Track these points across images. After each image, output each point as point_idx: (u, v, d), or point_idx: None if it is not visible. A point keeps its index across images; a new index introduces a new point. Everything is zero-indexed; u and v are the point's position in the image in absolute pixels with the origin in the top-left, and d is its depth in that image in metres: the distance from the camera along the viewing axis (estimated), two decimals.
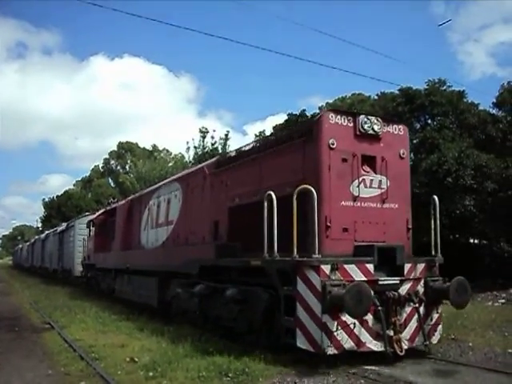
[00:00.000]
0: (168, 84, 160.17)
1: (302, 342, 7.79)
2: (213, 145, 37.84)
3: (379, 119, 9.13)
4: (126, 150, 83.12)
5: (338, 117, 8.71)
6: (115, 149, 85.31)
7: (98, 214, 23.99)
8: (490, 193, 20.44)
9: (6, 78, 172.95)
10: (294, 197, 7.97)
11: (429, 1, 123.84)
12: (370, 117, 9.03)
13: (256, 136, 36.98)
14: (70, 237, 30.53)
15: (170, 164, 47.37)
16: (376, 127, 8.95)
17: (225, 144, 37.72)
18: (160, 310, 13.92)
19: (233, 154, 12.02)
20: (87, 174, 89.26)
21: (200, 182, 12.47)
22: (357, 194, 8.69)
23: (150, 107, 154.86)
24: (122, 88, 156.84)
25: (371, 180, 8.91)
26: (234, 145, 36.86)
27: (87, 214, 31.29)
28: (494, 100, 23.79)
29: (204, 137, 38.43)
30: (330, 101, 40.85)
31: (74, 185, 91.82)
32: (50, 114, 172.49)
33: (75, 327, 12.80)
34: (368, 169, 8.95)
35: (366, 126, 8.82)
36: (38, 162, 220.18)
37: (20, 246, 77.67)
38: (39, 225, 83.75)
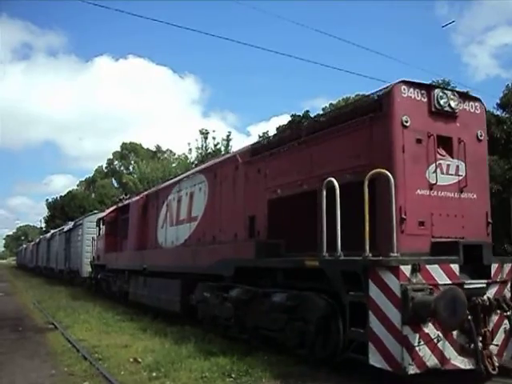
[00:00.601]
0: (172, 85, 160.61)
1: (376, 360, 6.52)
2: (215, 145, 37.89)
3: (455, 94, 7.88)
4: (129, 150, 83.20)
5: (411, 90, 7.44)
6: (119, 149, 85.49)
7: (108, 211, 22.25)
8: (494, 194, 20.39)
9: (11, 78, 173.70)
10: (366, 183, 6.73)
11: (433, 1, 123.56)
12: (445, 91, 7.82)
13: (259, 137, 37.01)
14: (78, 236, 29.03)
15: (174, 165, 47.33)
16: (453, 103, 7.72)
17: (227, 145, 37.75)
18: (184, 316, 12.60)
19: (273, 139, 10.54)
20: (91, 175, 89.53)
21: (231, 173, 11.03)
22: (433, 182, 7.41)
23: (154, 108, 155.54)
24: (126, 89, 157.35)
25: (448, 165, 7.64)
26: (236, 145, 36.93)
27: (96, 211, 30.25)
28: (498, 101, 23.76)
29: (206, 138, 38.51)
30: (334, 102, 40.85)
31: (77, 185, 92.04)
32: (55, 114, 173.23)
33: (79, 327, 12.84)
34: (444, 152, 7.68)
35: (442, 102, 7.60)
36: (42, 163, 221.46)
37: (24, 246, 77.38)
38: (43, 225, 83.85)
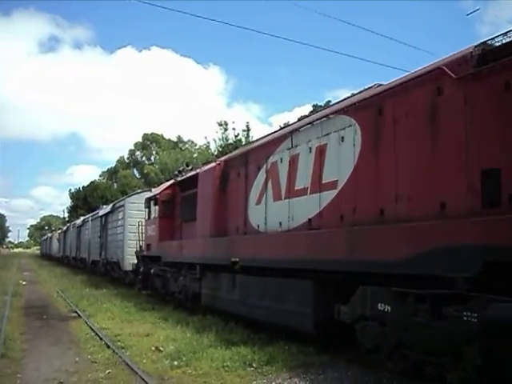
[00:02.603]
0: (196, 76, 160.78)
1: None
2: (236, 136, 37.85)
3: None
4: (150, 141, 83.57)
5: None
6: (140, 140, 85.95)
7: (163, 187, 17.21)
8: None
9: (38, 71, 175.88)
10: None
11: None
12: None
13: (280, 127, 36.81)
14: (118, 220, 23.52)
15: (195, 155, 47.48)
16: None
17: (247, 135, 37.67)
18: (318, 339, 8.40)
19: None
20: (113, 165, 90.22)
21: (424, 102, 6.61)
22: None
23: (177, 99, 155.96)
24: (149, 80, 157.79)
25: None
26: (257, 136, 36.76)
27: (139, 191, 24.68)
28: None
29: (226, 129, 38.48)
30: (355, 91, 40.43)
31: (99, 176, 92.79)
32: (80, 105, 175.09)
33: (101, 316, 13.02)
34: None
35: None
36: (67, 154, 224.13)
37: (49, 234, 76.29)
38: (66, 215, 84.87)
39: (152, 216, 17.48)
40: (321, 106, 28.96)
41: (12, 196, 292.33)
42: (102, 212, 28.40)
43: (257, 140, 12.46)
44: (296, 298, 8.55)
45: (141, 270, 17.86)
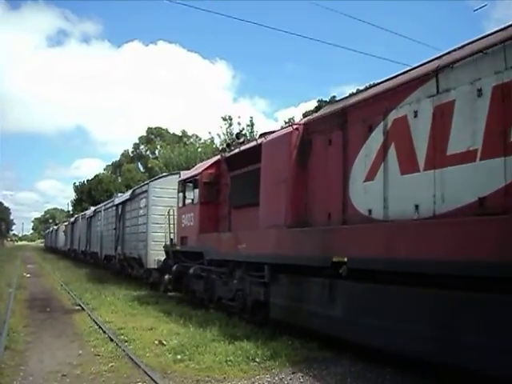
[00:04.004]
0: (203, 71, 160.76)
1: None
2: (241, 131, 37.77)
3: None
4: (155, 135, 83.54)
5: None
6: (145, 134, 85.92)
7: (204, 165, 13.99)
8: None
9: (44, 64, 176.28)
10: None
11: None
12: None
13: (285, 123, 36.73)
14: (140, 209, 19.71)
15: (200, 149, 47.40)
16: None
17: (251, 130, 37.61)
18: None
19: None
20: (117, 159, 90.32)
21: None
22: None
23: (183, 94, 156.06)
24: (155, 74, 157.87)
25: None
26: (262, 131, 36.66)
27: (165, 174, 21.47)
28: None
29: (230, 124, 38.47)
30: (361, 87, 40.35)
31: (104, 169, 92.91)
32: (85, 99, 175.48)
33: (105, 309, 13.05)
34: None
35: None
36: (72, 147, 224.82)
37: (54, 227, 74.88)
38: (70, 208, 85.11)
39: (189, 202, 14.39)
40: (326, 101, 28.82)
41: (17, 189, 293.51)
42: (117, 200, 24.39)
43: (360, 92, 8.76)
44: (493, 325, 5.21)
45: (173, 268, 14.60)
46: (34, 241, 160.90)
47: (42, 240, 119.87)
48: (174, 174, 18.85)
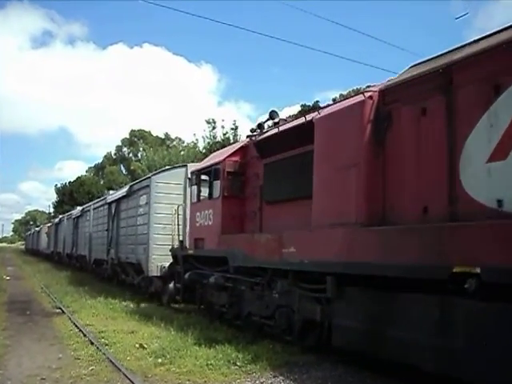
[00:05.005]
0: (188, 74, 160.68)
1: None
2: (224, 134, 37.79)
3: None
4: (138, 137, 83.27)
5: None
6: (128, 136, 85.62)
7: (228, 152, 11.44)
8: None
9: (29, 64, 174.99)
10: None
11: (448, 1, 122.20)
12: None
13: (268, 126, 36.77)
14: (140, 207, 17.13)
15: (182, 153, 47.28)
16: None
17: (235, 134, 37.64)
18: None
19: None
20: (100, 161, 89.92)
21: None
22: None
23: (168, 97, 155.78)
24: (140, 77, 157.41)
25: None
26: (245, 135, 36.69)
27: (168, 167, 17.96)
28: None
29: (214, 127, 38.49)
30: (344, 92, 40.70)
31: (86, 171, 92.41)
32: (69, 101, 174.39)
33: (85, 312, 12.93)
34: None
35: None
36: (55, 149, 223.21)
37: (37, 229, 73.10)
38: (51, 210, 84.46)
39: (204, 197, 12.15)
40: (309, 107, 28.97)
41: None
42: (111, 198, 21.75)
43: (474, 42, 6.30)
44: None
45: (185, 276, 12.22)
46: (14, 243, 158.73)
47: (23, 242, 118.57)
48: (180, 166, 16.77)
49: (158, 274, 14.99)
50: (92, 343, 9.25)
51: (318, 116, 8.19)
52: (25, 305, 14.97)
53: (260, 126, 11.08)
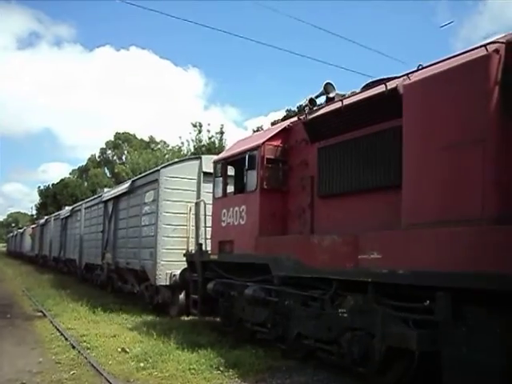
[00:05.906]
0: (175, 78, 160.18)
1: None
2: (210, 138, 37.78)
3: None
4: (122, 140, 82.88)
5: None
6: (112, 139, 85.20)
7: (267, 136, 9.29)
8: None
9: (14, 65, 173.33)
10: None
11: (434, 9, 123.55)
12: None
13: (254, 131, 36.88)
14: (144, 205, 14.73)
15: (167, 156, 47.19)
16: None
17: (221, 138, 37.64)
18: None
19: None
20: (84, 163, 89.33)
21: None
22: None
23: (154, 100, 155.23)
24: (126, 79, 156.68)
25: None
26: (231, 139, 36.73)
27: (176, 160, 16.69)
28: None
29: (200, 131, 38.45)
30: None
31: (70, 173, 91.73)
32: (54, 102, 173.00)
33: (67, 316, 12.83)
34: None
35: None
36: (40, 151, 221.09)
37: (19, 230, 71.65)
38: (34, 212, 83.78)
39: (231, 191, 10.34)
40: (294, 111, 29.05)
41: None
42: (107, 195, 19.14)
43: None
44: None
45: (209, 286, 10.14)
46: None
47: (5, 244, 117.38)
48: (193, 158, 14.54)
49: (167, 283, 12.85)
50: (73, 347, 9.19)
51: (408, 82, 6.24)
52: (5, 308, 14.82)
53: (312, 101, 9.02)
